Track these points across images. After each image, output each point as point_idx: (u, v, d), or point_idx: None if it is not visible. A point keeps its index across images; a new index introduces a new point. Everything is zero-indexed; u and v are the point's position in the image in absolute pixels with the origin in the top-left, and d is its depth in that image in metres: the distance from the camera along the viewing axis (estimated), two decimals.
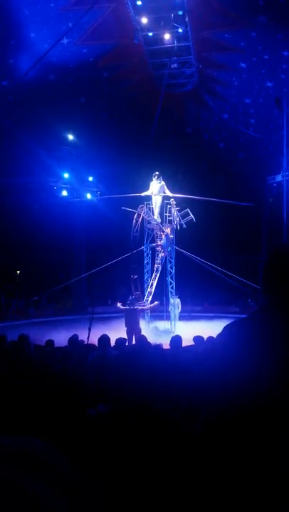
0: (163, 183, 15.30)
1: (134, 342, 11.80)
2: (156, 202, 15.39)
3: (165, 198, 15.65)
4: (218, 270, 16.17)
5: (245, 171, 20.60)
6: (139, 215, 14.02)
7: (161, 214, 15.61)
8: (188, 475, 1.32)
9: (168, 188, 15.43)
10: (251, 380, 1.21)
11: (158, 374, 1.56)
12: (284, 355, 1.22)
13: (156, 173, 15.24)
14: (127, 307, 12.69)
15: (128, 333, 12.26)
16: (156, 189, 15.25)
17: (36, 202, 21.81)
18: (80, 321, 12.57)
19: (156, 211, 15.34)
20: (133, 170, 15.88)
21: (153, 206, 15.39)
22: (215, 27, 16.83)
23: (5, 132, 18.55)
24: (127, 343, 11.26)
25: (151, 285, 14.88)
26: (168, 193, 15.36)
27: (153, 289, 14.70)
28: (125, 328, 12.70)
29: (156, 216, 15.27)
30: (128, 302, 12.87)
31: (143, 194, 15.29)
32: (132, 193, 15.66)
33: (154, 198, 15.37)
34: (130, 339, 11.97)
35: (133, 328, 12.38)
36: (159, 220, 15.43)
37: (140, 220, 14.11)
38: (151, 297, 14.47)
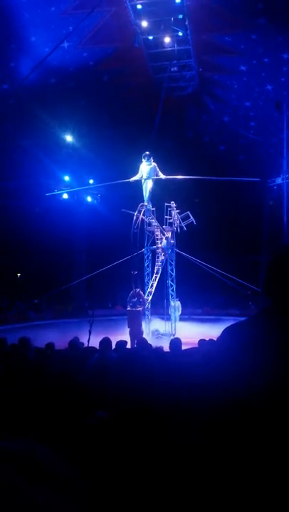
0: (154, 164, 14.11)
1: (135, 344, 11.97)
2: (147, 186, 14.24)
3: (158, 190, 14.90)
4: (219, 273, 16.15)
5: (245, 174, 20.62)
6: (140, 211, 13.80)
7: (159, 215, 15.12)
8: (188, 479, 1.31)
9: (160, 170, 14.25)
10: (252, 382, 1.20)
11: (158, 377, 1.55)
12: (285, 358, 1.22)
13: (147, 153, 13.97)
14: (130, 309, 12.81)
15: (130, 334, 12.44)
16: (147, 172, 14.06)
17: (37, 205, 21.85)
18: (81, 323, 12.58)
19: (147, 195, 14.33)
20: (133, 172, 15.84)
21: (143, 191, 14.33)
22: (215, 30, 16.89)
23: (6, 135, 18.59)
24: (129, 345, 11.47)
25: (152, 285, 14.98)
26: (161, 175, 14.22)
27: (153, 289, 14.80)
28: (126, 331, 12.80)
29: (147, 202, 14.34)
30: (130, 304, 12.94)
31: (132, 179, 14.28)
32: (131, 195, 15.47)
33: (144, 184, 14.27)
34: (133, 340, 12.11)
35: (135, 330, 12.47)
36: (150, 207, 14.62)
37: (141, 216, 13.84)
38: (151, 297, 14.64)
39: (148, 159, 14.02)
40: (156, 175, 14.20)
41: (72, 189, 20.17)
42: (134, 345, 11.70)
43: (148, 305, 14.62)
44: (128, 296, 13.31)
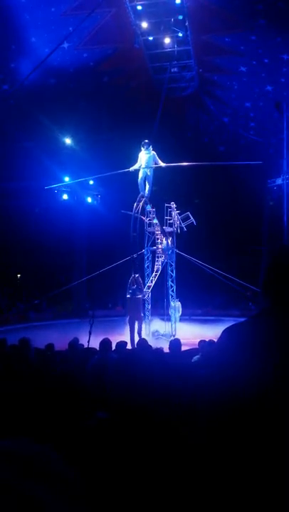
0: (153, 152, 13.66)
1: (136, 330, 12.52)
2: (146, 175, 13.84)
3: (158, 190, 14.96)
4: (219, 273, 16.17)
5: (245, 174, 20.63)
6: (140, 200, 13.93)
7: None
8: (189, 480, 1.31)
9: (159, 158, 13.77)
10: (252, 383, 1.20)
11: (157, 378, 1.56)
12: (285, 358, 1.22)
13: (146, 141, 13.51)
14: (130, 296, 12.99)
15: (130, 321, 12.79)
16: (145, 160, 13.58)
17: (37, 205, 21.85)
18: (81, 324, 12.59)
19: (147, 188, 13.99)
20: (133, 173, 15.84)
21: (141, 181, 13.89)
22: (215, 31, 16.90)
23: (6, 136, 18.61)
24: (128, 334, 11.75)
25: (151, 281, 15.26)
26: (160, 163, 13.71)
27: (152, 284, 15.09)
28: (126, 332, 12.91)
29: (146, 192, 14.06)
30: (130, 291, 13.10)
31: (131, 169, 13.84)
32: (131, 196, 15.43)
33: (142, 171, 13.67)
34: (132, 327, 12.37)
35: (135, 317, 12.80)
36: (150, 207, 14.64)
37: (141, 205, 13.92)
38: (150, 290, 15.11)
39: (147, 148, 13.54)
40: (156, 163, 13.81)
41: (71, 181, 20.06)
42: (133, 334, 12.00)
43: (147, 295, 14.92)
44: (128, 283, 13.39)
